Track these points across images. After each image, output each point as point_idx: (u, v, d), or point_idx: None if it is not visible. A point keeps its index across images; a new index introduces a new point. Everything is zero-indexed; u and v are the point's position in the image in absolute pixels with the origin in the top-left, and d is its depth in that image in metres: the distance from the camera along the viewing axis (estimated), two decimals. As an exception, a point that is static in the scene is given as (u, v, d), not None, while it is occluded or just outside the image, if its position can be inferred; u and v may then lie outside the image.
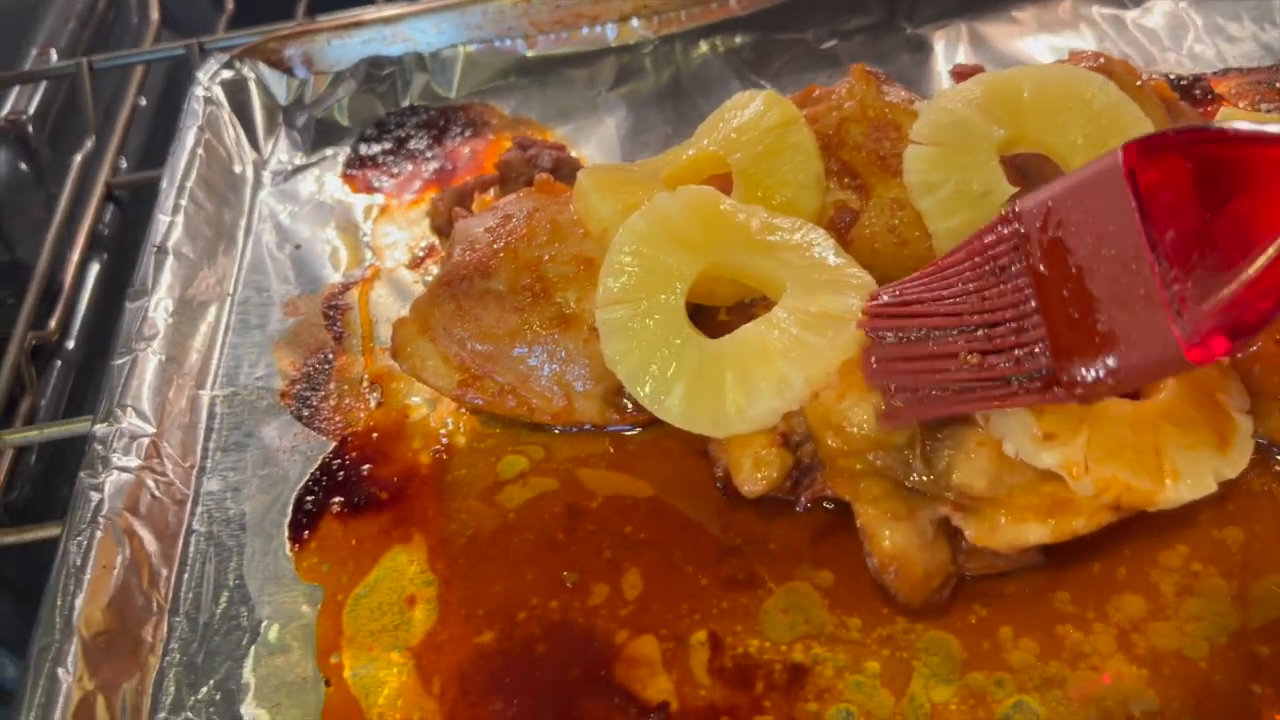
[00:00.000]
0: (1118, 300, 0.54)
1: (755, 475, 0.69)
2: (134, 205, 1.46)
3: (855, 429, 0.66)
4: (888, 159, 0.83)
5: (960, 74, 0.91)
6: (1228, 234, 0.51)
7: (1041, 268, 0.58)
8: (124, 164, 1.41)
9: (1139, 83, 0.85)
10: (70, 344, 1.25)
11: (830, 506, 0.72)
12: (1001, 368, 0.59)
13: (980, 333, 0.60)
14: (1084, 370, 0.56)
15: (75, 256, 1.19)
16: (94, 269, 1.32)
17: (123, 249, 1.40)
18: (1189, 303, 0.51)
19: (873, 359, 0.66)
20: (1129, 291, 0.53)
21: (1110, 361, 0.55)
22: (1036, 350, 0.58)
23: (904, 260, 0.81)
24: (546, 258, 0.80)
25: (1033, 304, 0.58)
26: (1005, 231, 0.60)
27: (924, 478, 0.66)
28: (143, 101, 1.57)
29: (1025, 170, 0.83)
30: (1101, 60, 0.85)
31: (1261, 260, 0.49)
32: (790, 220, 0.78)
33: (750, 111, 0.85)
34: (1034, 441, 0.64)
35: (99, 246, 1.33)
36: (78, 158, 1.24)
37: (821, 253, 0.76)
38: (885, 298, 0.66)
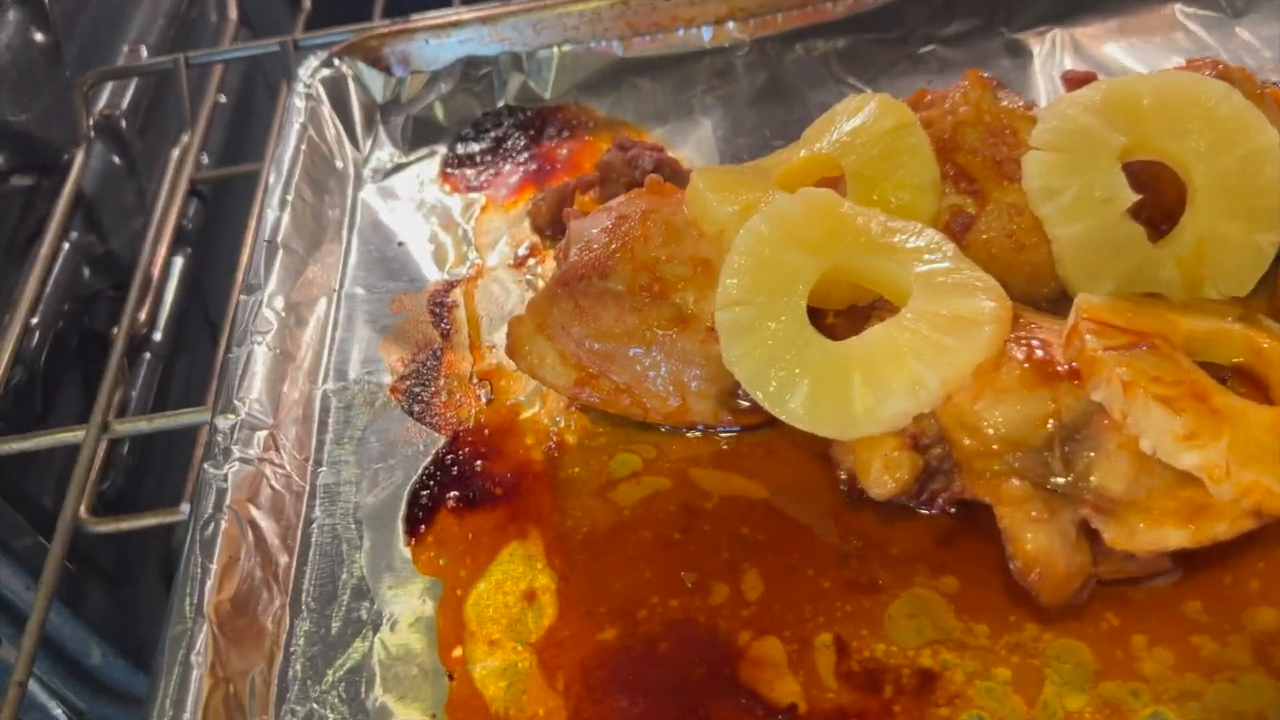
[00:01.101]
0: None
1: (885, 478, 0.69)
2: (216, 200, 1.48)
3: (992, 430, 0.66)
4: (1004, 164, 0.83)
5: (1072, 80, 0.90)
6: None
7: None
8: (205, 159, 1.43)
9: (1260, 90, 0.84)
10: (158, 336, 1.27)
11: (952, 511, 0.72)
12: None
13: None
14: None
15: (163, 250, 1.20)
16: (178, 263, 1.34)
17: (205, 243, 1.42)
18: None
19: None
20: None
21: None
22: None
23: (1020, 265, 0.81)
24: (663, 258, 0.80)
25: None
26: None
27: (1063, 479, 0.65)
28: (222, 98, 1.60)
29: (1142, 178, 0.83)
30: (1220, 67, 0.85)
31: None
32: (909, 223, 0.78)
33: (864, 115, 0.85)
34: (1174, 440, 0.63)
35: (183, 241, 1.36)
36: (175, 152, 1.26)
37: (944, 256, 0.75)
38: None
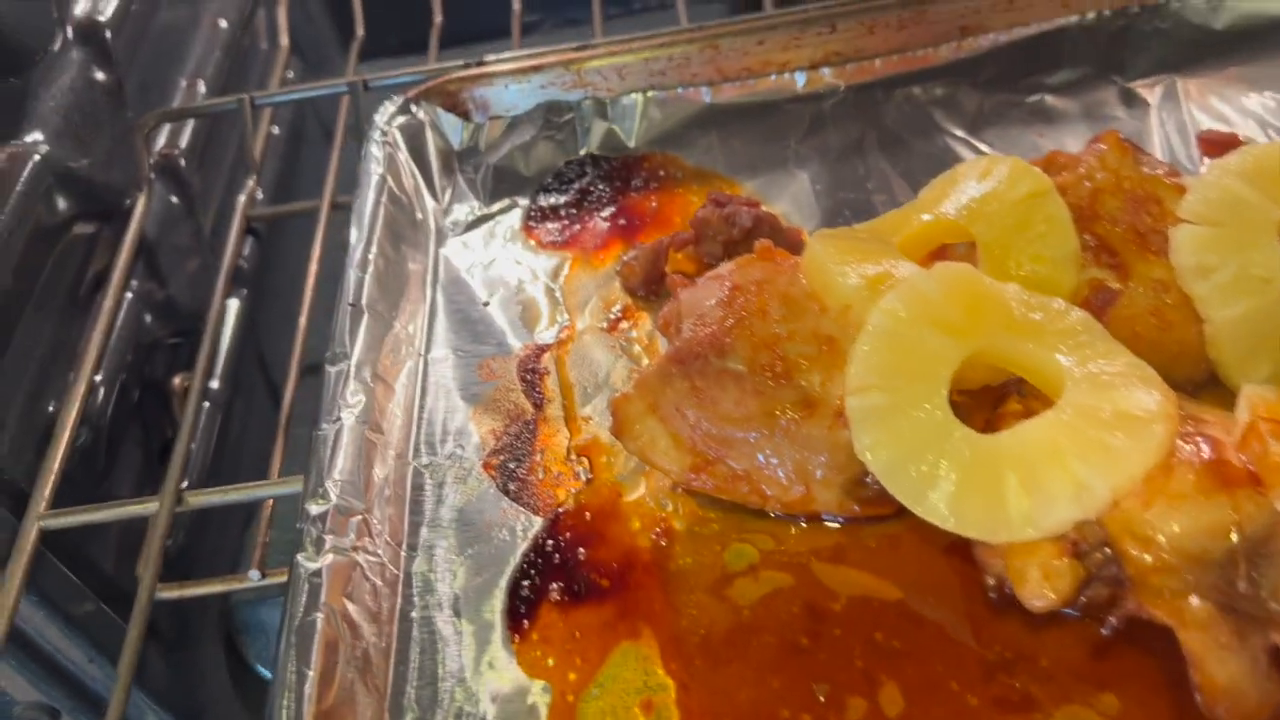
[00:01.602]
0: None
1: (1044, 589, 0.63)
2: (271, 238, 1.44)
3: (1168, 542, 0.61)
4: (1147, 236, 0.78)
5: (1210, 142, 0.85)
6: None
7: None
8: (260, 196, 1.39)
9: None
10: (215, 384, 1.23)
11: (1119, 628, 0.66)
12: None
13: None
14: None
15: (218, 294, 1.16)
16: (233, 305, 1.30)
17: (260, 283, 1.38)
18: None
19: None
20: None
21: None
22: None
23: (1167, 345, 0.76)
24: (784, 335, 0.75)
25: None
26: None
27: (1251, 599, 0.60)
28: (275, 130, 1.55)
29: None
30: (1378, 131, 0.79)
31: None
32: (1054, 301, 0.73)
33: (996, 180, 0.80)
34: (1371, 565, 0.58)
35: (238, 281, 1.31)
36: (234, 192, 1.21)
37: (1096, 339, 0.70)
38: None
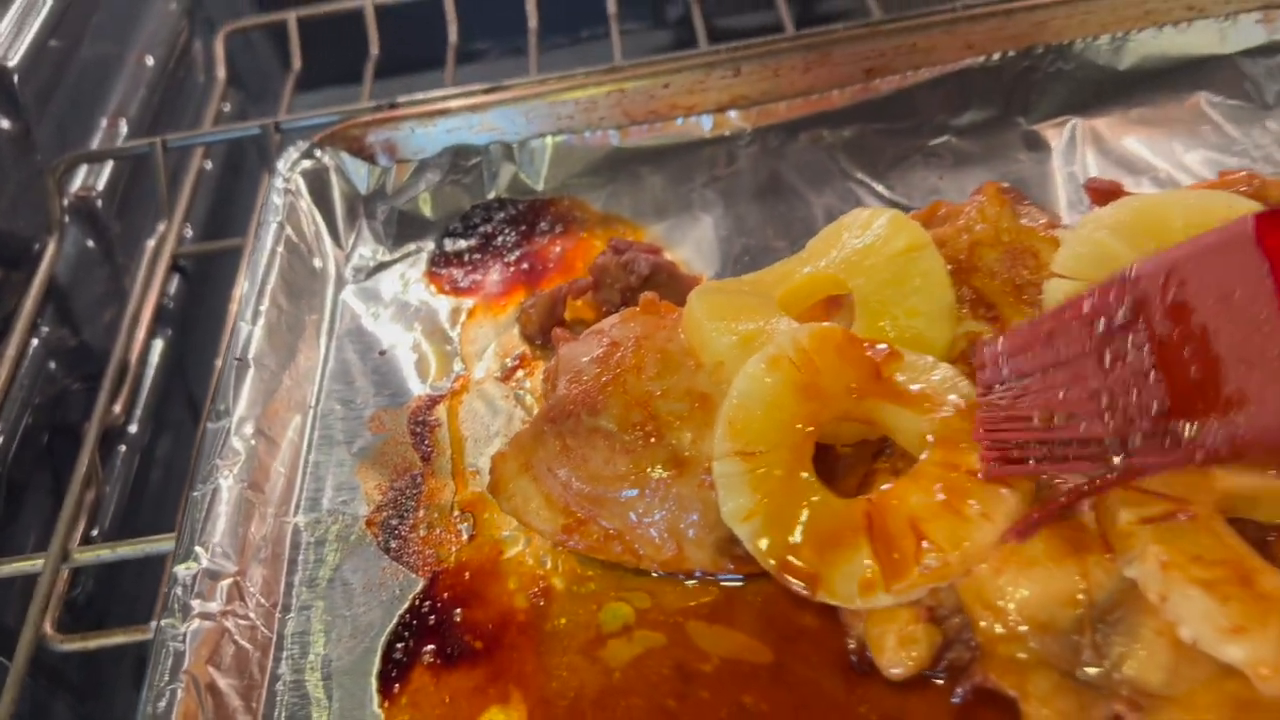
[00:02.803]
0: (1246, 361, 0.54)
1: (901, 655, 0.63)
2: (199, 274, 1.43)
3: (1017, 609, 0.60)
4: (1024, 288, 0.77)
5: (1097, 191, 0.85)
6: None
7: (1162, 328, 0.58)
8: (189, 232, 1.38)
9: (1298, 206, 0.78)
10: (133, 428, 1.22)
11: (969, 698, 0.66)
12: (1114, 427, 0.58)
13: (1094, 391, 0.59)
14: (1207, 430, 0.55)
15: (141, 334, 1.15)
16: (157, 345, 1.29)
17: (188, 322, 1.37)
18: None
19: (980, 418, 0.64)
20: (1259, 352, 0.54)
21: (1238, 420, 0.54)
22: (1154, 409, 0.57)
23: (1043, 401, 0.75)
24: (658, 392, 0.74)
25: (1151, 363, 0.57)
26: (1122, 292, 0.60)
27: (1095, 668, 0.59)
28: (209, 165, 1.55)
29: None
30: (1256, 183, 0.79)
31: None
32: (925, 360, 0.72)
33: (874, 233, 0.79)
34: (1218, 632, 0.57)
35: (164, 320, 1.30)
36: (147, 235, 1.20)
37: (959, 401, 0.70)
38: (997, 349, 0.65)
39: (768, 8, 1.28)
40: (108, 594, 1.14)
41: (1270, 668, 0.56)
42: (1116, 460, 0.58)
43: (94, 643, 0.94)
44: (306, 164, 1.04)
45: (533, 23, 1.38)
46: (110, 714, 1.14)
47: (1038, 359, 0.63)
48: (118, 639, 0.95)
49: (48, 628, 0.88)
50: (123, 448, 1.19)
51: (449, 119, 1.05)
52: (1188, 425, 0.56)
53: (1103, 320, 0.60)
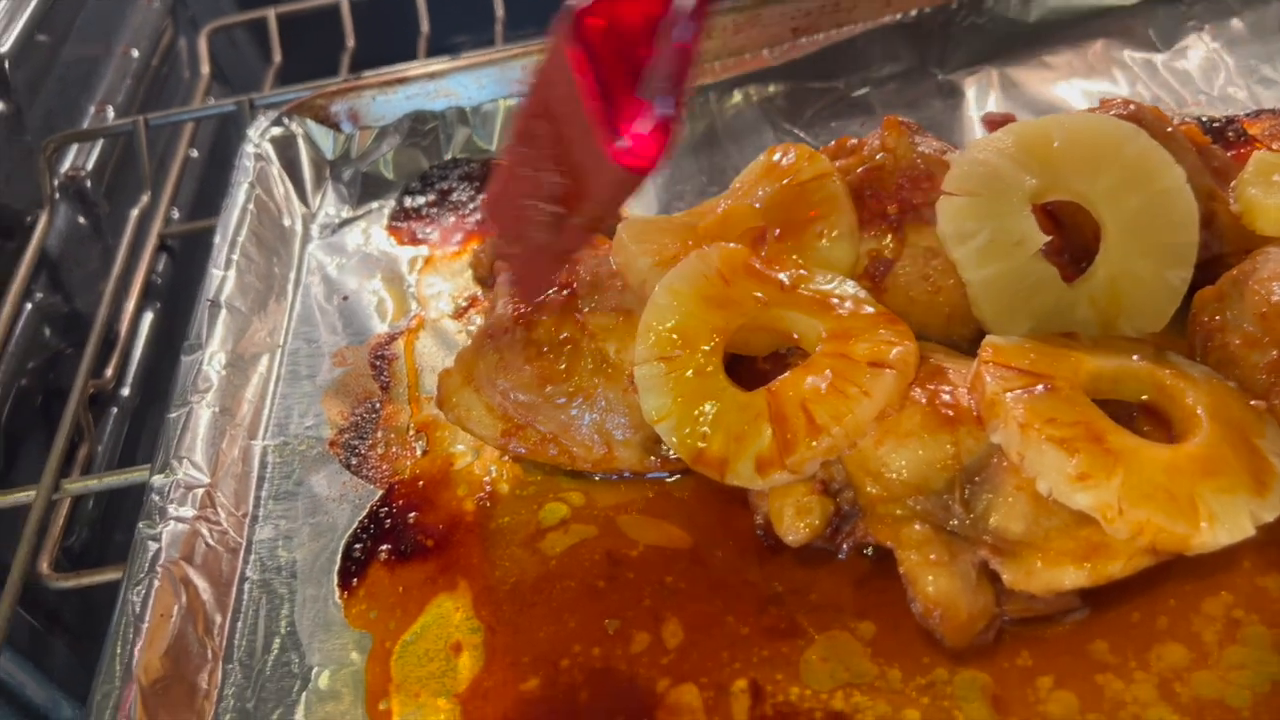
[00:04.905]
0: (586, 145, 0.65)
1: (798, 524, 0.70)
2: (186, 254, 1.51)
3: (894, 475, 0.68)
4: (921, 209, 0.84)
5: (991, 122, 0.92)
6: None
7: (551, 133, 0.69)
8: (176, 214, 1.46)
9: (1170, 128, 0.86)
10: (125, 391, 1.30)
11: (870, 554, 0.73)
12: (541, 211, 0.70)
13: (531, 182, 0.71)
14: (583, 205, 0.68)
15: (130, 306, 1.23)
16: (147, 318, 1.37)
17: (175, 297, 1.45)
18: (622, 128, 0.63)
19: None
20: (588, 135, 0.64)
21: (594, 191, 0.66)
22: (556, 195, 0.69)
23: (939, 307, 0.83)
24: (587, 309, 0.82)
25: (550, 165, 0.69)
26: (531, 103, 0.71)
27: (963, 521, 0.67)
28: (194, 153, 1.63)
29: (1061, 218, 0.85)
30: (1132, 107, 0.86)
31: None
32: (822, 274, 0.80)
33: (783, 165, 0.87)
34: (1067, 481, 0.65)
35: (152, 295, 1.38)
36: (134, 212, 1.28)
37: (854, 304, 0.77)
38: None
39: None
40: (102, 540, 1.21)
41: (1114, 510, 0.64)
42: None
43: (87, 580, 1.01)
44: (276, 131, 1.12)
45: (500, 12, 1.46)
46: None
47: (521, 150, 0.72)
48: (110, 575, 1.02)
49: (45, 567, 0.95)
50: (115, 410, 1.27)
51: (408, 86, 1.13)
52: (574, 206, 0.69)
53: (529, 131, 0.71)
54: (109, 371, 1.19)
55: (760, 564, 0.76)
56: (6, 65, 1.20)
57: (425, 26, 1.54)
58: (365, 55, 1.53)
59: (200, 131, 1.65)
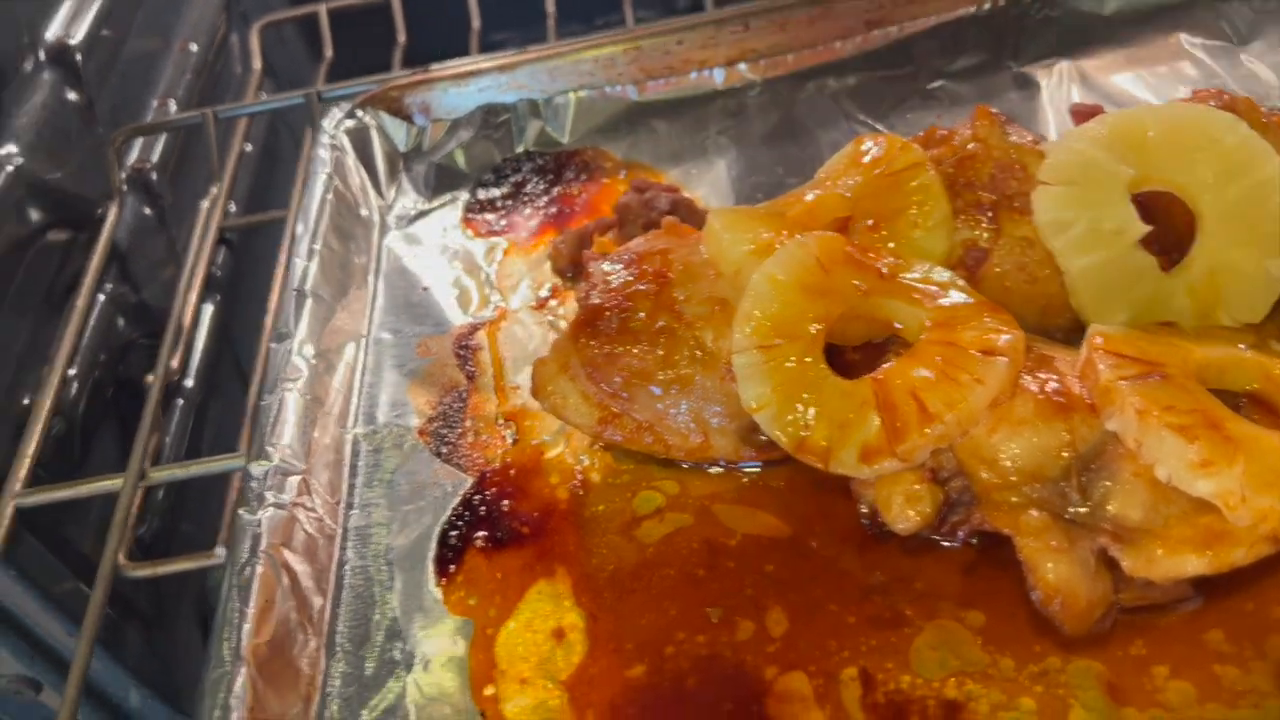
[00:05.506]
0: None
1: (908, 512, 0.70)
2: (243, 246, 1.51)
3: (1009, 462, 0.67)
4: (1014, 198, 0.84)
5: (1079, 113, 0.92)
6: None
7: None
8: (233, 208, 1.47)
9: (1264, 119, 0.85)
10: (189, 382, 1.30)
11: (974, 543, 0.73)
12: None
13: None
14: None
15: (192, 300, 1.23)
16: (208, 309, 1.37)
17: (234, 290, 1.45)
18: None
19: None
20: None
21: None
22: None
23: (1035, 297, 0.82)
24: (682, 298, 0.82)
25: None
26: None
27: (1081, 509, 0.66)
28: (248, 147, 1.64)
29: (1151, 208, 0.84)
30: (1225, 98, 0.86)
31: None
32: (920, 262, 0.80)
33: (874, 155, 0.87)
34: (1189, 468, 0.64)
35: (212, 288, 1.39)
36: (204, 204, 1.29)
37: (956, 293, 0.77)
38: None
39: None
40: (170, 531, 1.22)
41: (1237, 498, 0.63)
42: None
43: (162, 569, 1.01)
44: (349, 123, 1.12)
45: (550, 7, 1.46)
46: (174, 642, 1.22)
47: None
48: (185, 565, 1.03)
49: (121, 557, 0.95)
50: (180, 401, 1.27)
51: (480, 79, 1.14)
52: None
53: None
54: (175, 362, 1.20)
55: (859, 553, 0.76)
56: (79, 57, 1.20)
57: (476, 22, 1.54)
58: (413, 54, 1.54)
59: (252, 127, 1.66)
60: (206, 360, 1.34)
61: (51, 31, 1.20)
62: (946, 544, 0.74)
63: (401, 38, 1.57)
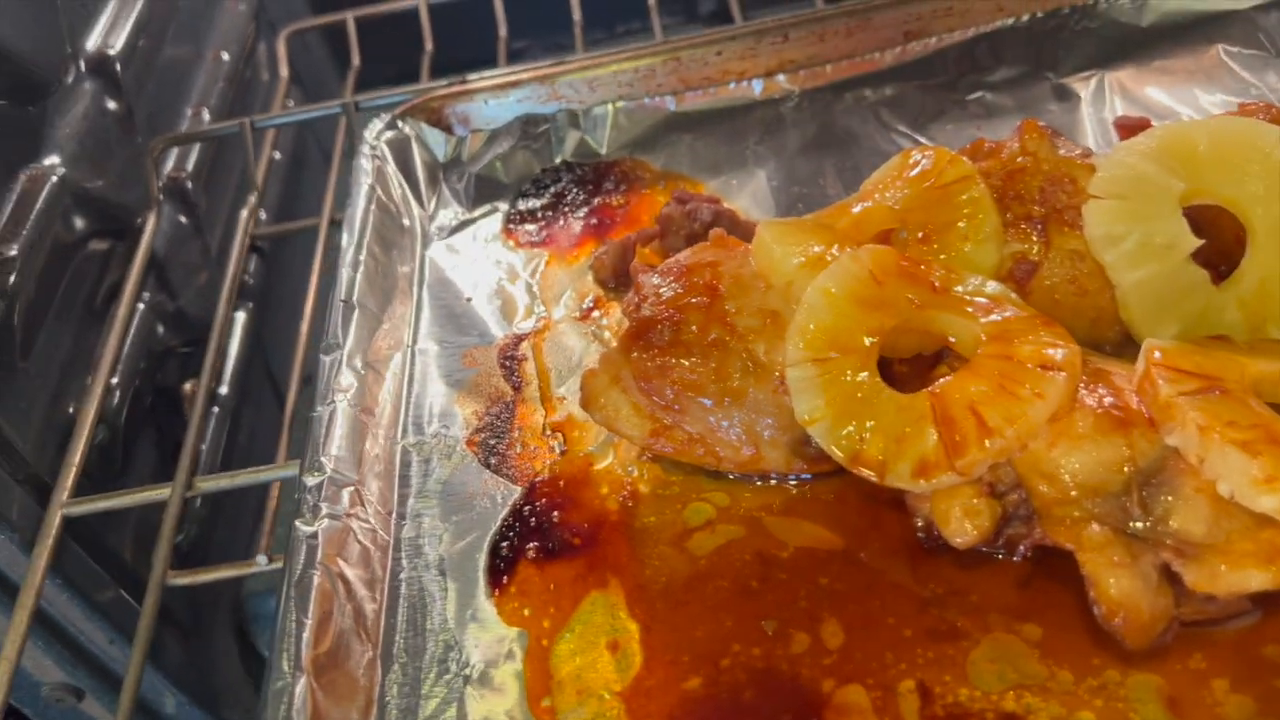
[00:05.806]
0: None
1: (966, 526, 0.70)
2: (273, 254, 1.52)
3: (1069, 477, 0.68)
4: (1064, 212, 0.85)
5: (1125, 126, 0.92)
6: None
7: None
8: (263, 215, 1.47)
9: (1312, 133, 0.85)
10: (224, 390, 1.31)
11: (1030, 556, 0.73)
12: None
13: None
14: None
15: (222, 308, 1.24)
16: (239, 318, 1.38)
17: (265, 297, 1.46)
18: None
19: None
20: None
21: None
22: None
23: (1084, 310, 0.83)
24: (733, 310, 0.82)
25: None
26: None
27: (1143, 524, 0.67)
28: (277, 155, 1.64)
29: (1200, 222, 0.84)
30: (1274, 111, 0.86)
31: None
32: (972, 275, 0.80)
33: (923, 167, 0.87)
34: (1252, 483, 0.64)
35: (244, 296, 1.39)
36: (243, 213, 1.30)
37: (1010, 307, 0.77)
38: None
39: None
40: (207, 542, 1.22)
41: (1300, 514, 0.63)
42: None
43: (204, 577, 1.02)
44: (390, 134, 1.13)
45: (577, 15, 1.47)
46: (210, 648, 1.22)
47: None
48: (226, 573, 1.03)
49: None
50: (215, 409, 1.28)
51: (519, 90, 1.14)
52: None
53: None
54: (206, 366, 1.20)
55: (912, 565, 0.77)
56: (118, 67, 1.21)
57: (503, 30, 1.55)
58: (438, 63, 1.54)
59: (281, 136, 1.66)
60: (239, 367, 1.35)
61: (92, 41, 1.21)
62: (1000, 557, 0.74)
63: (429, 46, 1.58)
